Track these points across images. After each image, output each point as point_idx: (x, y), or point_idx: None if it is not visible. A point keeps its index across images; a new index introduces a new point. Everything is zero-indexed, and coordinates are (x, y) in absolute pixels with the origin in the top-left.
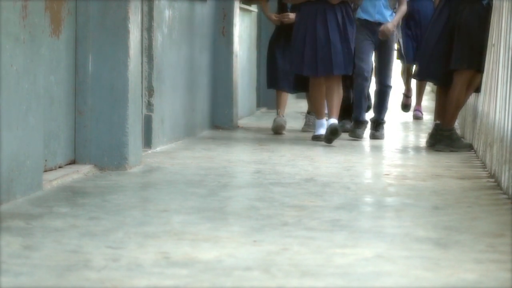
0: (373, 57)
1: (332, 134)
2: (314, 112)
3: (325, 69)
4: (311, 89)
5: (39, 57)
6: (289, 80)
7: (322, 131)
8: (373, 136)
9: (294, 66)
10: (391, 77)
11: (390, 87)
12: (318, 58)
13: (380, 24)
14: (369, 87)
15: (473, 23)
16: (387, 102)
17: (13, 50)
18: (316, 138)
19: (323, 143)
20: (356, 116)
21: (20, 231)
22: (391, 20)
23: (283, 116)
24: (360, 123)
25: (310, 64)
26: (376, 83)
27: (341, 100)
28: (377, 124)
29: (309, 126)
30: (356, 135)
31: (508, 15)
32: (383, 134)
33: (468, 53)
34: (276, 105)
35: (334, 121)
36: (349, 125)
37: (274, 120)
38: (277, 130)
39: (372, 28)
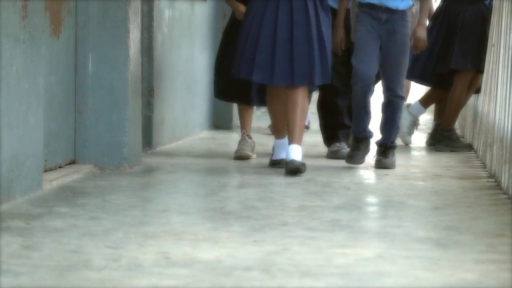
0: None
1: (292, 173)
2: (272, 129)
3: (283, 78)
4: (268, 99)
5: (39, 57)
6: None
7: (283, 154)
8: (380, 164)
9: (237, 69)
10: (403, 84)
11: (402, 98)
12: (275, 61)
13: (388, 10)
14: (371, 97)
15: (477, 23)
16: (399, 119)
17: (13, 50)
18: (276, 164)
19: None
20: (355, 133)
21: (20, 231)
22: (405, 7)
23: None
24: (360, 142)
25: (263, 68)
26: (383, 92)
27: (305, 119)
28: (386, 148)
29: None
30: (354, 161)
31: (508, 15)
32: (394, 162)
33: (471, 53)
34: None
35: (295, 149)
36: (345, 149)
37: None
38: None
39: (377, 16)
